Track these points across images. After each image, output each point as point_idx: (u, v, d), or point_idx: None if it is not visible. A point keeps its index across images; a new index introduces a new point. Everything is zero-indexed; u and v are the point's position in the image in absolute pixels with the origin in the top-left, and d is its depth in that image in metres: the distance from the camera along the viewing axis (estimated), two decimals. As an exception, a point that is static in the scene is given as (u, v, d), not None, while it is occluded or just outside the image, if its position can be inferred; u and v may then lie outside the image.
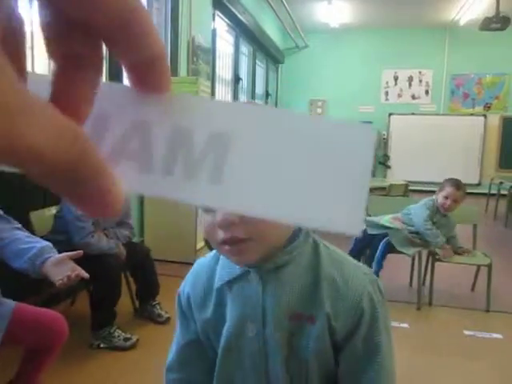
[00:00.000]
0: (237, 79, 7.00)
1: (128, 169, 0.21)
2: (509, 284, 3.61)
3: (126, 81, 0.22)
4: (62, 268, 1.50)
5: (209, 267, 0.83)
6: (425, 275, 3.37)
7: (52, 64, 0.20)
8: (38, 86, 0.18)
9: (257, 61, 8.19)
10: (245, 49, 7.56)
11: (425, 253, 3.20)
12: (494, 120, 8.99)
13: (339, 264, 0.77)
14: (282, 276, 0.74)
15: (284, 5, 7.08)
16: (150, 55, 0.20)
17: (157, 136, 0.21)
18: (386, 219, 3.22)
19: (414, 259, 3.36)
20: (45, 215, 2.51)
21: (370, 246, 3.25)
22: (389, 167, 9.30)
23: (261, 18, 7.32)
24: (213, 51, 5.62)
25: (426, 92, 9.42)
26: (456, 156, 9.17)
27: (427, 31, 9.04)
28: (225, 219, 0.66)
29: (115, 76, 3.44)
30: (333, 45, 9.54)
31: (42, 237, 1.81)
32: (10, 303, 1.59)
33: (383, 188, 5.38)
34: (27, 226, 1.97)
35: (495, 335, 2.71)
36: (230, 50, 6.87)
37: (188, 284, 0.86)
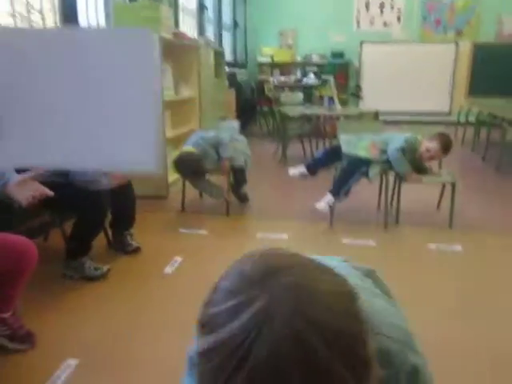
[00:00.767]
0: (201, 8, 6.66)
1: None
2: (471, 203, 3.77)
3: None
4: (25, 188, 1.48)
5: None
6: (392, 196, 3.48)
7: None
8: None
9: (223, -12, 7.78)
10: (209, -25, 7.14)
11: (392, 175, 3.28)
12: (466, 47, 8.94)
13: None
14: None
15: None
16: None
17: None
18: (363, 146, 3.21)
19: (381, 181, 3.45)
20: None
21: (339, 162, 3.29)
22: (361, 98, 9.25)
23: None
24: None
25: (398, 19, 9.21)
26: (427, 85, 9.17)
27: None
28: None
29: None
30: (302, -30, 9.10)
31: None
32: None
33: (354, 116, 5.47)
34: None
35: (456, 247, 2.86)
36: (194, -25, 6.48)
37: None
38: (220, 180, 3.62)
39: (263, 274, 0.48)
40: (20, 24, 3.27)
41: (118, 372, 1.70)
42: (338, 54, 9.21)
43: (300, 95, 7.13)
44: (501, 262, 2.68)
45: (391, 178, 3.30)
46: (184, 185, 3.54)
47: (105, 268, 2.45)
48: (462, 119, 7.02)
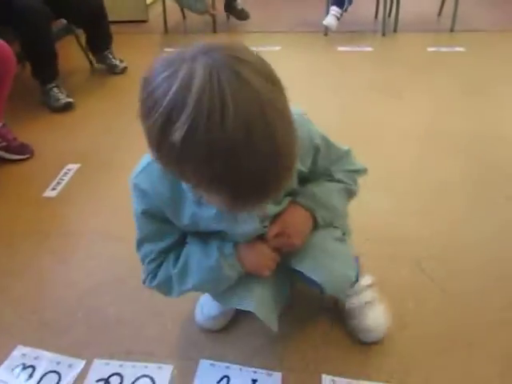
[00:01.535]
0: None
1: None
2: (476, 7, 3.49)
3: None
4: None
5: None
6: (391, 5, 3.19)
7: None
8: None
9: None
10: None
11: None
12: None
13: None
14: None
15: None
16: None
17: None
18: None
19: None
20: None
21: None
22: None
23: None
24: None
25: None
26: None
27: None
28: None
29: None
30: None
31: None
32: None
33: None
34: None
35: (458, 48, 2.72)
36: None
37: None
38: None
39: (197, 52, 0.50)
40: None
41: (120, 172, 1.72)
42: None
43: None
44: (507, 58, 2.56)
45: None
46: (164, 4, 3.22)
47: (70, 99, 2.25)
48: None
